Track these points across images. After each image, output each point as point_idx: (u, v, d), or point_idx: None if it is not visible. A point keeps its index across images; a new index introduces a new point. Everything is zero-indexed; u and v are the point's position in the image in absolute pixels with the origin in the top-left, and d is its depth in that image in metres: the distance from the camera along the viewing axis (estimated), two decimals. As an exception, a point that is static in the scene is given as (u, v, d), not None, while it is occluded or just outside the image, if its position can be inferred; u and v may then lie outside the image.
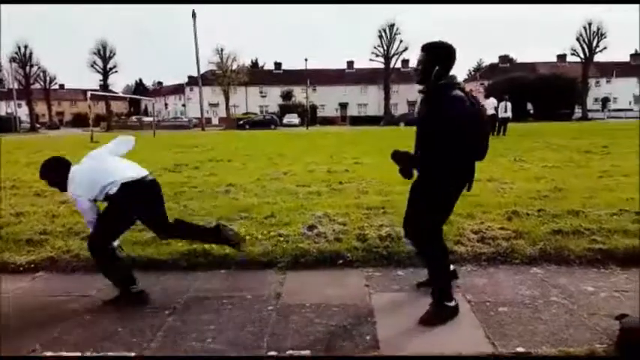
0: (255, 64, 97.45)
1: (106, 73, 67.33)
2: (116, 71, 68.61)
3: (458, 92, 3.30)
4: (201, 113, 54.80)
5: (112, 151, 4.16)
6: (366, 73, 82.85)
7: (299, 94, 74.37)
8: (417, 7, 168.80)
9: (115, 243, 4.10)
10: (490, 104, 21.32)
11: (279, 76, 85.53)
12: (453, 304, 3.58)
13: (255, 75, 79.54)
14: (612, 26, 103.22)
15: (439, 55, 3.39)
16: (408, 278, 4.40)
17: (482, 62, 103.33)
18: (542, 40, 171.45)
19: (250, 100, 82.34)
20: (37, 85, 70.11)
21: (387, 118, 63.41)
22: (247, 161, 13.23)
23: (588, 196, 6.88)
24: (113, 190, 3.79)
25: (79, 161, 4.02)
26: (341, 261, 4.77)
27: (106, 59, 66.81)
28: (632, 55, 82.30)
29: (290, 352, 3.16)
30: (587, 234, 5.16)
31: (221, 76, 65.96)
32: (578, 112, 61.42)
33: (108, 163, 3.98)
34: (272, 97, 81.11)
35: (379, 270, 4.62)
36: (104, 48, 66.51)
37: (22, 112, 68.84)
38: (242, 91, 77.23)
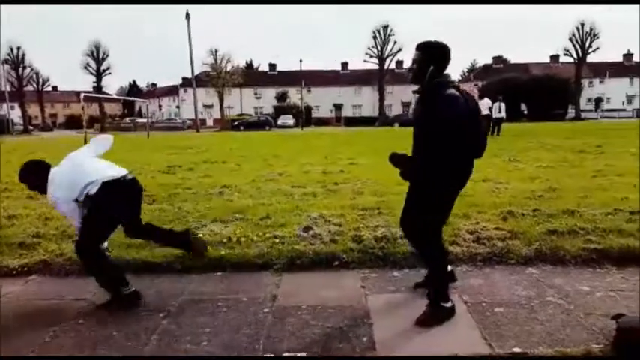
0: (249, 65, 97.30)
1: (99, 75, 67.33)
2: (110, 73, 68.77)
3: (452, 91, 3.29)
4: (196, 114, 54.70)
5: (92, 152, 4.16)
6: (360, 74, 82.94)
7: (294, 95, 74.37)
8: (411, 8, 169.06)
9: (104, 244, 4.09)
10: (484, 105, 21.33)
11: (274, 77, 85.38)
12: (449, 304, 3.57)
13: (250, 76, 79.31)
14: (605, 26, 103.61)
15: (434, 54, 3.39)
16: (404, 279, 4.39)
17: (475, 63, 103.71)
18: (535, 40, 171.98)
19: (245, 102, 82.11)
20: (29, 87, 69.85)
21: (382, 119, 63.55)
22: (242, 162, 13.20)
23: (583, 196, 6.89)
24: (94, 189, 3.76)
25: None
26: (337, 262, 4.76)
27: (99, 61, 66.78)
28: (624, 56, 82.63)
29: (286, 354, 3.14)
30: (582, 234, 5.17)
31: (215, 78, 65.74)
32: (571, 112, 61.78)
33: (87, 164, 3.97)
34: (266, 99, 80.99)
35: (375, 271, 4.61)
36: (97, 49, 66.57)
37: (15, 114, 68.55)
38: (236, 93, 76.92)
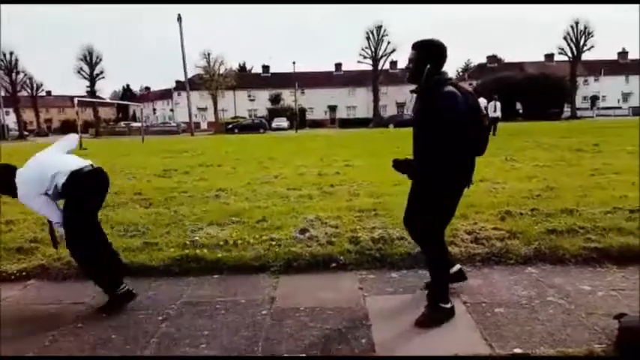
0: (242, 67, 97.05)
1: (92, 79, 67.09)
2: (103, 77, 68.49)
3: (450, 88, 3.28)
4: (190, 118, 54.68)
5: (58, 149, 4.17)
6: (354, 75, 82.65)
7: (288, 98, 74.32)
8: (405, 8, 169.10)
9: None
10: (480, 104, 21.38)
11: (267, 80, 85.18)
12: (448, 305, 3.54)
13: (244, 79, 79.05)
14: (600, 24, 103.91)
15: (430, 52, 3.38)
16: (401, 280, 4.38)
17: (470, 62, 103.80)
18: (529, 39, 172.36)
19: (239, 104, 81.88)
20: (23, 92, 69.61)
21: (376, 120, 63.45)
22: (237, 165, 13.18)
23: (581, 195, 6.89)
24: (62, 179, 3.76)
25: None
26: (334, 264, 4.74)
27: (92, 65, 66.57)
28: (619, 53, 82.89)
29: (285, 356, 3.11)
30: (581, 233, 5.16)
31: (209, 81, 65.52)
32: (567, 110, 61.93)
33: (53, 157, 4.00)
34: (260, 101, 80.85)
35: (373, 272, 4.59)
36: (90, 54, 66.36)
37: (10, 120, 68.37)
38: (230, 95, 76.87)
